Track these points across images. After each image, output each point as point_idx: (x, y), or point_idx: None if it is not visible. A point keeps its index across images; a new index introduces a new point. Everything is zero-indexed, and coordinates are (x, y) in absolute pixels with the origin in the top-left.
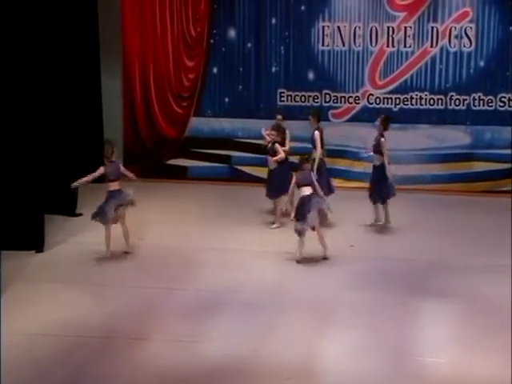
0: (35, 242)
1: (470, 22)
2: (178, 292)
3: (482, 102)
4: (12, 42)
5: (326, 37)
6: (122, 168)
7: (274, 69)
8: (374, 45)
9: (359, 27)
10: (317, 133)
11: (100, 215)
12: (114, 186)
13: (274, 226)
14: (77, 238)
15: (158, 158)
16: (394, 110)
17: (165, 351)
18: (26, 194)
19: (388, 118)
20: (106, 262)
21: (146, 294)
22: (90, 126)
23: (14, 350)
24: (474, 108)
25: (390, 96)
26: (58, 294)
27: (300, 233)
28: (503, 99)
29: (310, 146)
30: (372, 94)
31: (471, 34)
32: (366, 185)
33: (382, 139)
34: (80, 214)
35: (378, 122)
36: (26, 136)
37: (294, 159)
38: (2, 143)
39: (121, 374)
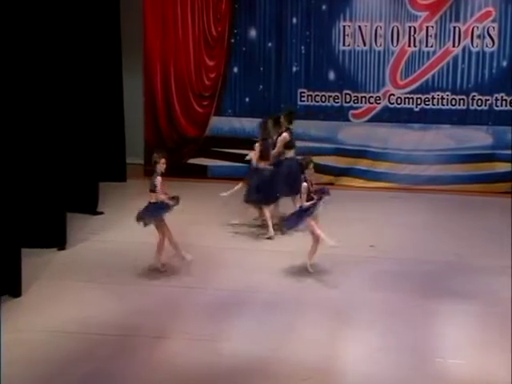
0: (57, 240)
1: (493, 21)
2: (198, 291)
3: (504, 102)
4: (38, 43)
5: (346, 36)
6: (156, 180)
7: (294, 68)
8: (395, 44)
9: (380, 27)
10: (285, 134)
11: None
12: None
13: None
14: (98, 236)
15: (178, 157)
16: (416, 110)
17: (184, 350)
18: (48, 193)
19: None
20: (127, 261)
21: (167, 292)
22: (112, 125)
23: (36, 346)
24: (496, 108)
25: (412, 96)
26: (79, 291)
27: None
28: None
29: (328, 146)
30: (393, 94)
31: (494, 33)
32: (387, 185)
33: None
34: (101, 213)
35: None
36: (49, 134)
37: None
38: (24, 142)
39: (141, 372)
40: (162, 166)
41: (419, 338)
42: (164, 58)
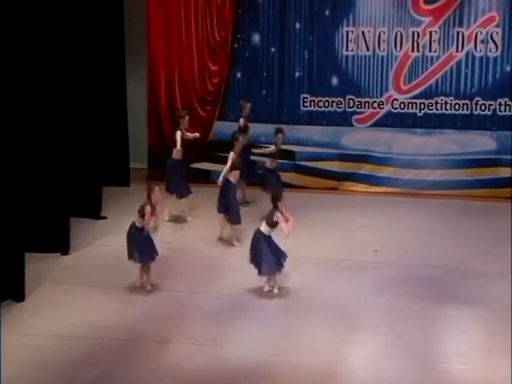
0: (61, 245)
1: (497, 26)
2: (203, 295)
3: (507, 107)
4: (41, 47)
5: (350, 42)
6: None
7: (297, 74)
8: (398, 50)
9: (384, 32)
10: (178, 132)
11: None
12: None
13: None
14: (102, 240)
15: None
16: (419, 114)
17: (189, 354)
18: (51, 197)
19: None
20: (131, 266)
21: (171, 297)
22: (116, 129)
23: (40, 351)
24: (499, 113)
25: (415, 101)
26: (83, 296)
27: None
28: None
29: (331, 151)
30: (396, 99)
31: (497, 38)
32: (391, 190)
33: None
34: (105, 217)
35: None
36: (52, 139)
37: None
38: (28, 146)
39: (145, 376)
40: (156, 195)
41: (423, 343)
42: (168, 62)
